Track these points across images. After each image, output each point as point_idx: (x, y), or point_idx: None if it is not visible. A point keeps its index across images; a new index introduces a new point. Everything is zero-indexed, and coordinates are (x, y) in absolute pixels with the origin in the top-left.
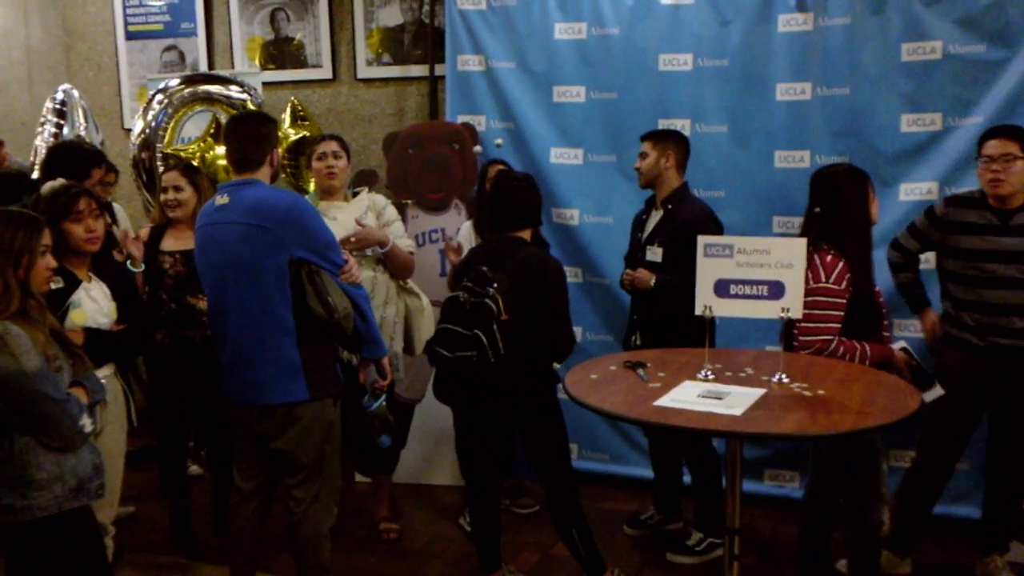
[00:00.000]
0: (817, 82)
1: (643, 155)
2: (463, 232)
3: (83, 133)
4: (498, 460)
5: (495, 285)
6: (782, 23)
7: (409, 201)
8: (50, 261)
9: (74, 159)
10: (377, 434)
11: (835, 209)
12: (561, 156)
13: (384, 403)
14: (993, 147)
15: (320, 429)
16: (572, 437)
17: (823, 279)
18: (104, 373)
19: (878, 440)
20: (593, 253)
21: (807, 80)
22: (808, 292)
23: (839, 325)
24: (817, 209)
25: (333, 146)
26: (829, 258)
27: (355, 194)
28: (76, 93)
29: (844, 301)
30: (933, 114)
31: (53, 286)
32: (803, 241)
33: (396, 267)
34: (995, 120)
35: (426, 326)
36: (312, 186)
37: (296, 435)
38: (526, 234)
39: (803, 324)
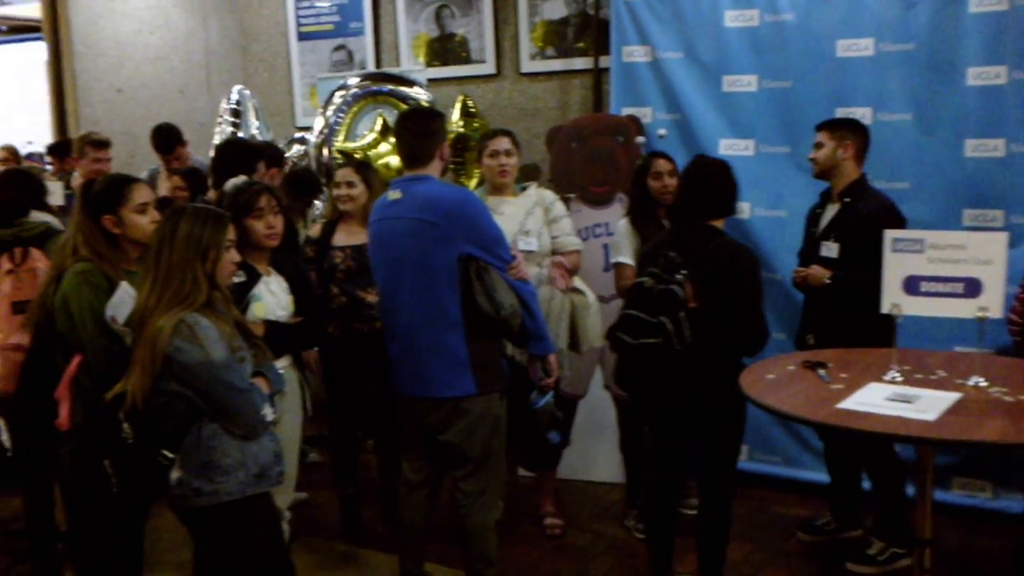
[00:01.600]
0: (1013, 65)
1: (818, 145)
2: (620, 229)
3: (255, 132)
4: (680, 455)
5: (684, 272)
6: (974, 3)
7: (572, 195)
8: (234, 255)
9: (239, 154)
10: (546, 430)
11: None
12: (731, 147)
13: (551, 400)
14: None
15: (487, 423)
16: (743, 438)
17: None
18: (282, 364)
19: None
20: (765, 248)
21: (1002, 63)
22: None
23: None
24: None
25: (506, 143)
26: None
27: (523, 189)
28: (248, 93)
29: None
30: None
31: (235, 280)
32: (1004, 235)
33: None
34: None
35: (592, 323)
36: (474, 182)
37: (463, 428)
38: (719, 223)
39: None
